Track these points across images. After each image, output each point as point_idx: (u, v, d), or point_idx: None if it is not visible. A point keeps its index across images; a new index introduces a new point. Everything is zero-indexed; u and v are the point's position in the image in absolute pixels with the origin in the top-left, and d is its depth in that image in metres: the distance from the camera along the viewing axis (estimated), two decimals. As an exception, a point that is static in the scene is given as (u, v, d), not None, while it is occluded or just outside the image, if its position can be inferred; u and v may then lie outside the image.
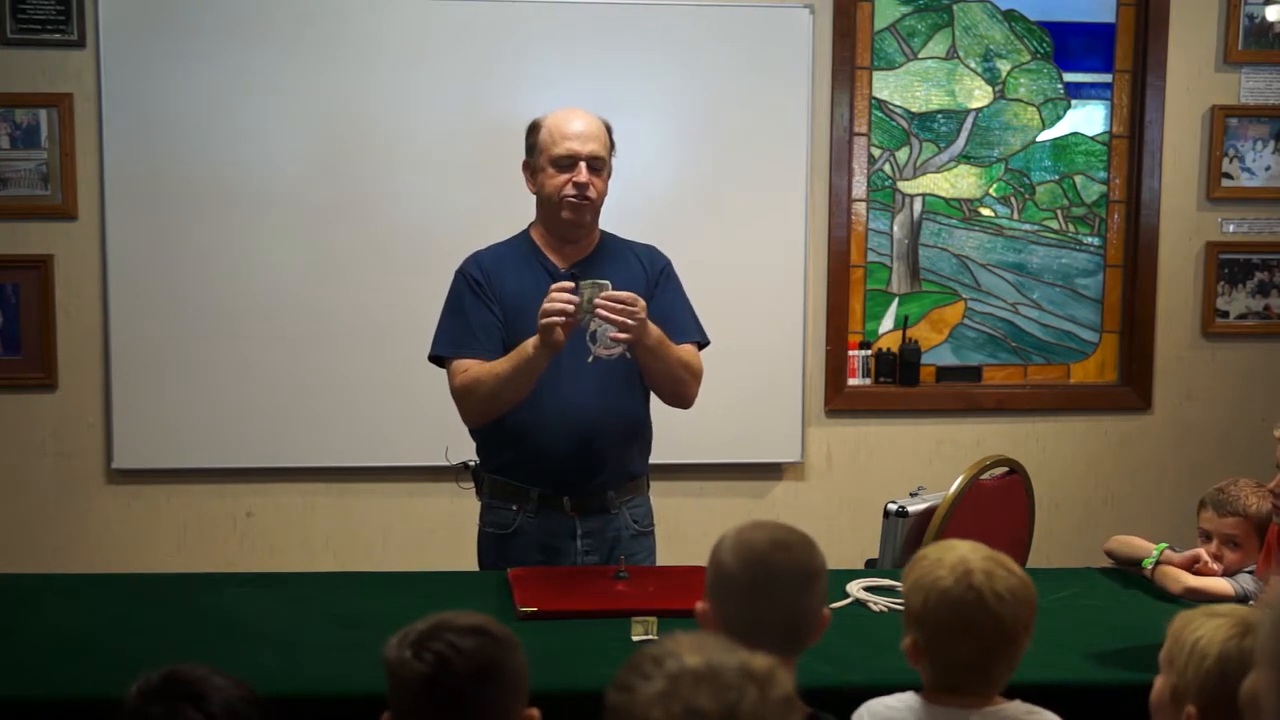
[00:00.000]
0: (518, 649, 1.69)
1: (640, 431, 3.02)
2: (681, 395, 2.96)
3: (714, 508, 4.35)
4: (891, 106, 4.51)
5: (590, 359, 2.86)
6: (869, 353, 4.54)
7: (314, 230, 4.21)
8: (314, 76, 4.17)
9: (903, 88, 4.51)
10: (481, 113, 4.22)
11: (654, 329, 2.81)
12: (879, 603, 2.70)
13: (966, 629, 1.84)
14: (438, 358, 2.97)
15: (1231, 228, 4.58)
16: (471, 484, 3.04)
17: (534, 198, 2.98)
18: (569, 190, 2.87)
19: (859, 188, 4.49)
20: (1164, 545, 2.81)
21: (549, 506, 2.91)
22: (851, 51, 4.42)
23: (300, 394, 4.22)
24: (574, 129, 2.88)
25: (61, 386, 4.22)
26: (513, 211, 4.31)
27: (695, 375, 2.95)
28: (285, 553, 4.28)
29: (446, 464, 3.03)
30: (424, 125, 4.22)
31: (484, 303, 2.92)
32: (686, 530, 4.02)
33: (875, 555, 3.44)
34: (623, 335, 2.72)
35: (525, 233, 3.03)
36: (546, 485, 2.90)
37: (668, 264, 3.04)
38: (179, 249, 4.19)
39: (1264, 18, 4.47)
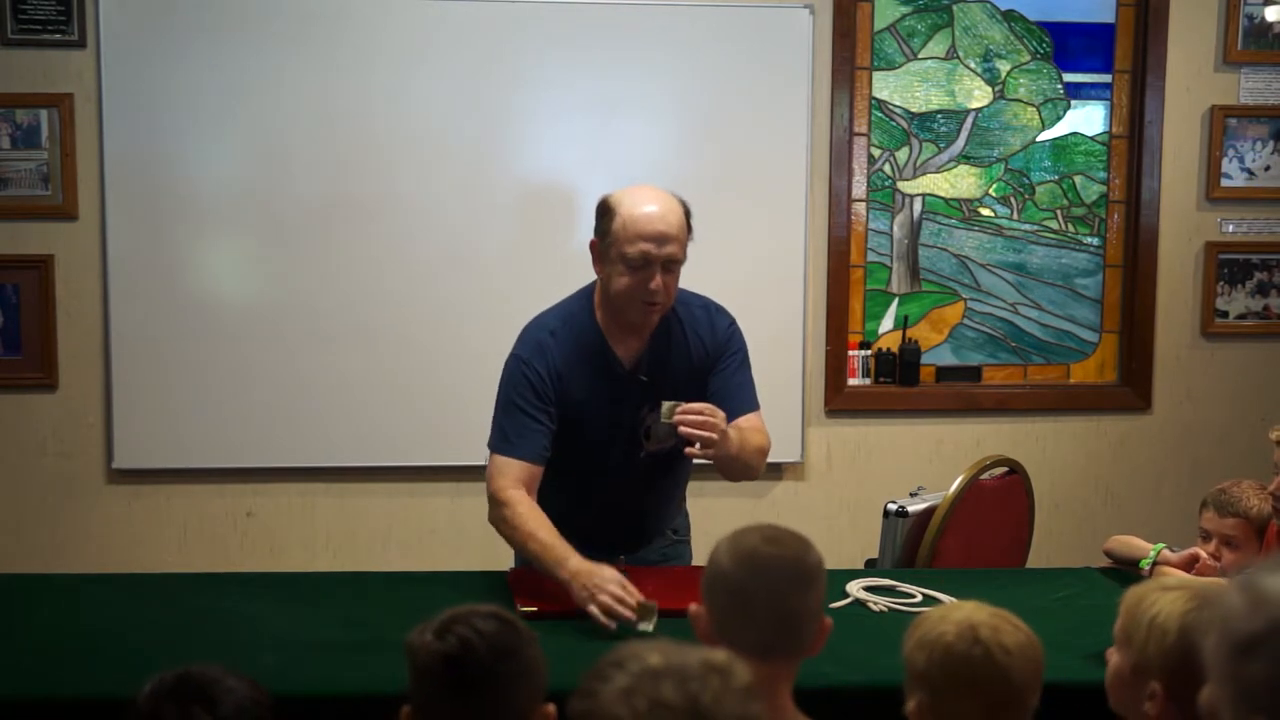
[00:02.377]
0: (536, 642, 1.73)
1: (683, 489, 3.05)
2: (751, 477, 2.87)
3: (714, 508, 4.31)
4: (891, 106, 4.51)
5: (643, 454, 2.82)
6: (869, 353, 4.54)
7: (314, 230, 4.21)
8: (314, 76, 4.17)
9: (903, 88, 4.51)
10: (481, 113, 4.22)
11: (733, 435, 2.69)
12: (879, 603, 2.71)
13: (972, 686, 1.73)
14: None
15: (1231, 228, 4.58)
16: None
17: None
18: (642, 295, 2.68)
19: (859, 188, 4.49)
20: (1161, 545, 2.81)
21: None
22: (851, 51, 4.42)
23: (300, 394, 4.22)
24: (652, 229, 2.65)
25: (61, 386, 4.22)
26: (512, 210, 4.33)
27: (766, 455, 2.84)
28: (285, 553, 4.28)
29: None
30: (424, 125, 4.21)
31: (536, 408, 2.74)
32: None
33: (875, 555, 3.44)
34: (708, 452, 2.61)
35: (590, 310, 2.81)
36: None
37: (733, 334, 2.88)
38: (179, 249, 4.19)
39: (1264, 18, 4.47)
